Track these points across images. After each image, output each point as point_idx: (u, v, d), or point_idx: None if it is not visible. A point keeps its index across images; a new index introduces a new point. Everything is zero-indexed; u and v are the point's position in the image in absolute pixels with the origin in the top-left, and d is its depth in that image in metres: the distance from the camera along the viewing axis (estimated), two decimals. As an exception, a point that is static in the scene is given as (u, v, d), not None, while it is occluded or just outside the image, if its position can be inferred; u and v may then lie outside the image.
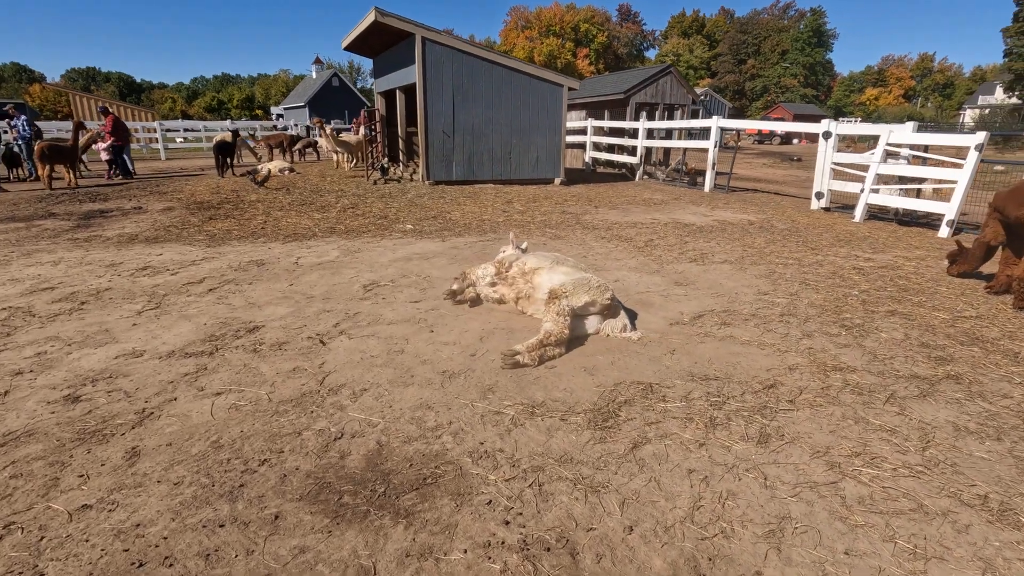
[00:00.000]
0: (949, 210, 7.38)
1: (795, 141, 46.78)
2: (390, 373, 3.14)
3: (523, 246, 5.10)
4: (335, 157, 15.96)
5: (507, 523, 1.96)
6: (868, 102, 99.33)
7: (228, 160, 14.37)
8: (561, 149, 12.80)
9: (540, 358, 3.27)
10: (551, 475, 2.23)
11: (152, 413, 2.67)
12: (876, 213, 8.83)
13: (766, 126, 13.69)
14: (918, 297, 4.51)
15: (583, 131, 16.62)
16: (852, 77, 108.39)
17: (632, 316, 4.01)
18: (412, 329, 3.80)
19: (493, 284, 4.41)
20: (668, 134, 15.94)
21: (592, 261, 5.77)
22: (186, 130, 29.84)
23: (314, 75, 47.20)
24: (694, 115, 17.19)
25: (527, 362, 3.22)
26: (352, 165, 15.53)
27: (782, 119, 49.20)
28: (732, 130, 22.76)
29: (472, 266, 4.64)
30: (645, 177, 14.65)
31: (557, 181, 12.94)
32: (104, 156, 13.51)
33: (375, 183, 12.05)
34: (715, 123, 11.84)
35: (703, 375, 3.11)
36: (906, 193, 8.34)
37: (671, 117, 16.60)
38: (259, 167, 14.11)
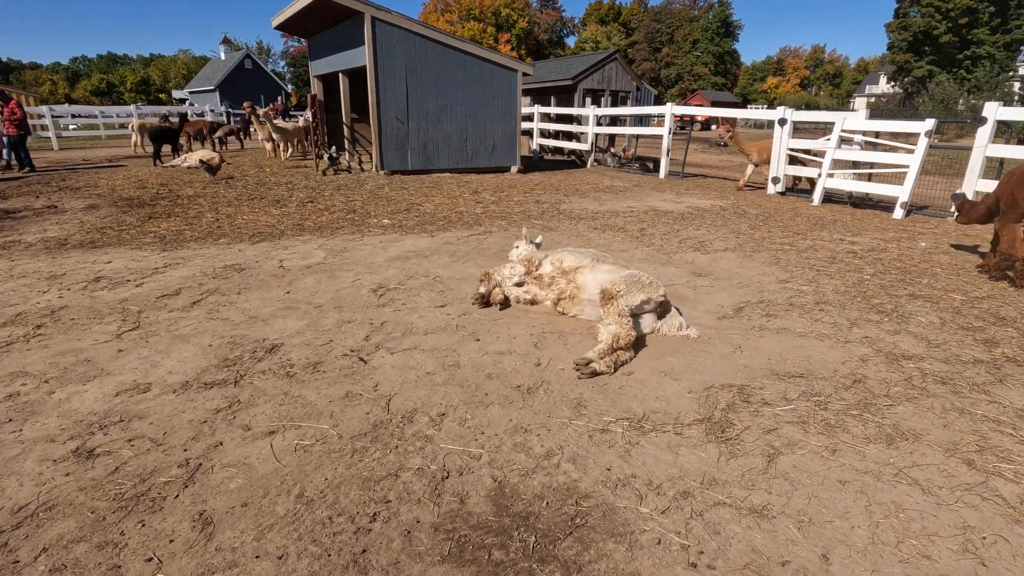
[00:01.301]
0: (903, 193, 7.87)
1: (713, 127, 49.07)
2: (459, 392, 2.80)
3: (537, 240, 4.84)
4: (268, 146, 14.76)
5: (694, 565, 1.74)
6: (769, 90, 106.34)
7: (173, 149, 13.08)
8: (517, 136, 12.53)
9: (615, 364, 3.05)
10: (705, 501, 2.02)
11: (200, 465, 2.20)
12: (831, 196, 9.28)
13: (712, 112, 14.10)
14: (925, 279, 4.71)
15: (530, 118, 16.40)
16: (755, 66, 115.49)
17: (676, 311, 3.88)
18: (454, 339, 3.45)
19: (521, 284, 4.12)
20: (614, 121, 16.06)
21: (608, 253, 5.59)
22: (75, 116, 26.64)
23: (223, 56, 43.52)
24: (638, 102, 17.46)
25: (604, 370, 2.99)
26: (289, 154, 14.43)
27: (701, 105, 51.37)
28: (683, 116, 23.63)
29: (496, 266, 4.33)
30: (596, 164, 14.69)
31: (514, 169, 12.67)
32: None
33: (324, 174, 11.23)
34: (668, 110, 12.01)
35: (785, 373, 3.02)
36: (858, 177, 8.82)
37: (616, 103, 16.73)
38: (183, 157, 12.80)
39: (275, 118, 16.54)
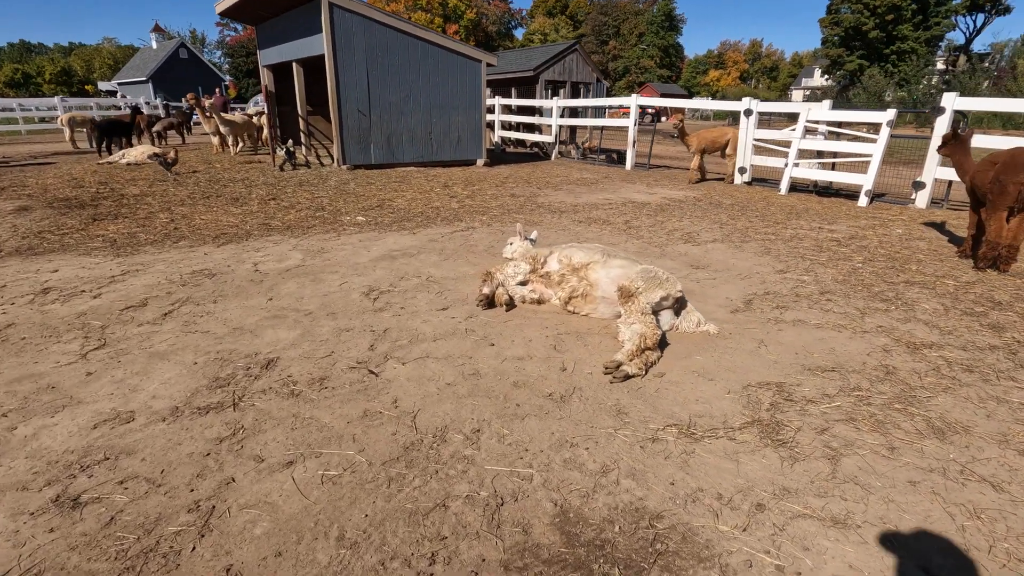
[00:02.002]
0: (867, 181, 8.12)
1: (663, 119, 50.01)
2: (488, 404, 2.58)
3: (532, 236, 4.66)
4: (215, 140, 13.89)
5: (796, 589, 1.60)
6: (712, 83, 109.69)
7: (125, 141, 12.27)
8: (483, 128, 12.26)
9: (645, 365, 2.90)
10: (783, 513, 1.90)
11: (214, 508, 1.90)
12: (796, 185, 9.50)
13: (673, 104, 14.23)
14: (912, 266, 4.81)
15: (491, 110, 16.12)
16: (697, 60, 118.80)
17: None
18: (467, 344, 3.22)
19: (525, 282, 3.92)
20: (574, 112, 16.00)
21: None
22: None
23: (154, 45, 40.77)
24: (597, 94, 17.46)
25: (636, 372, 2.84)
26: (239, 149, 13.61)
27: (651, 97, 52.21)
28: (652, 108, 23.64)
29: (497, 265, 4.10)
30: (560, 156, 14.59)
31: (480, 162, 12.39)
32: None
33: (281, 169, 10.63)
34: (634, 101, 12.03)
35: (816, 367, 2.95)
36: (822, 166, 9.06)
37: (576, 95, 16.67)
38: (121, 153, 11.85)
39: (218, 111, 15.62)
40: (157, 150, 12.36)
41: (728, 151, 10.38)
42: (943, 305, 3.84)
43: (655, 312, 3.34)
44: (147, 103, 22.23)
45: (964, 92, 36.97)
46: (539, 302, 3.86)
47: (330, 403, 2.57)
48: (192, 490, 1.98)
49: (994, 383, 2.78)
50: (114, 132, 12.01)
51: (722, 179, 10.89)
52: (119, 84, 40.91)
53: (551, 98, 14.12)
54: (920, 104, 37.24)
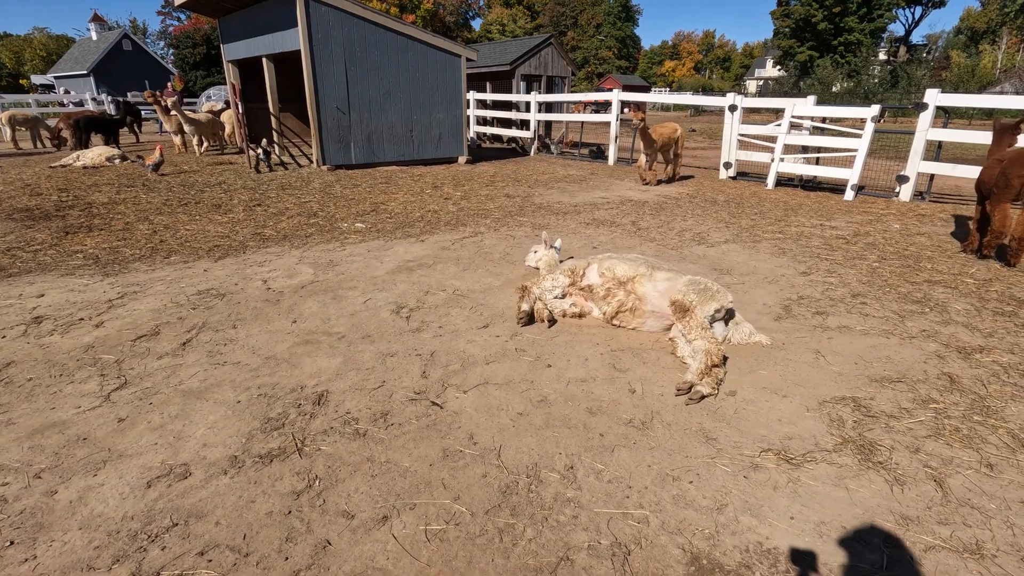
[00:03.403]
0: (853, 175, 8.32)
1: (625, 110, 50.45)
2: (570, 435, 2.46)
3: (557, 244, 4.54)
4: (177, 140, 13.15)
5: (964, 634, 1.55)
6: (668, 73, 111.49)
7: (114, 140, 11.67)
8: (463, 124, 12.01)
9: (717, 383, 2.83)
10: (915, 545, 1.85)
11: (319, 579, 1.71)
12: (780, 180, 9.65)
13: (649, 99, 14.27)
14: (927, 264, 4.92)
15: (466, 104, 15.82)
16: (653, 50, 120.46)
17: (730, 315, 3.74)
18: (523, 367, 3.08)
19: (563, 296, 3.81)
20: (550, 107, 15.89)
21: (607, 251, 5.37)
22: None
23: (94, 36, 38.27)
24: (573, 87, 17.38)
25: (710, 392, 2.76)
26: (204, 149, 12.92)
27: (612, 89, 52.64)
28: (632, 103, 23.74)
29: (532, 279, 3.98)
30: (539, 152, 14.46)
31: (462, 160, 12.15)
32: None
33: (257, 170, 10.13)
34: (616, 96, 12.00)
35: (882, 378, 2.95)
36: (807, 161, 9.24)
37: (551, 89, 16.55)
38: (75, 154, 11.07)
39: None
40: (115, 151, 11.62)
41: (676, 149, 9.63)
42: (972, 306, 3.93)
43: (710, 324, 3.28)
44: (92, 99, 20.87)
45: (909, 82, 38.72)
46: (580, 315, 3.75)
47: (403, 443, 2.39)
48: (287, 558, 1.79)
49: (1054, 388, 2.84)
50: (95, 129, 11.33)
51: (661, 183, 9.80)
52: (56, 78, 38.33)
53: (527, 92, 13.96)
54: (870, 94, 38.78)
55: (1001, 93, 33.84)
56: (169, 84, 20.58)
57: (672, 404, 2.71)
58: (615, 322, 3.58)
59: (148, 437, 2.42)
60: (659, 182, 9.72)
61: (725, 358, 3.13)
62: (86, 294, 4.17)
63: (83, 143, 12.71)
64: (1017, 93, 33.41)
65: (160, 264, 4.92)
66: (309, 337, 3.44)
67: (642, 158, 9.47)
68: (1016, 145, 5.30)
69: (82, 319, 3.70)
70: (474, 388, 2.85)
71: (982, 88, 36.35)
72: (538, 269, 4.35)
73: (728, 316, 3.43)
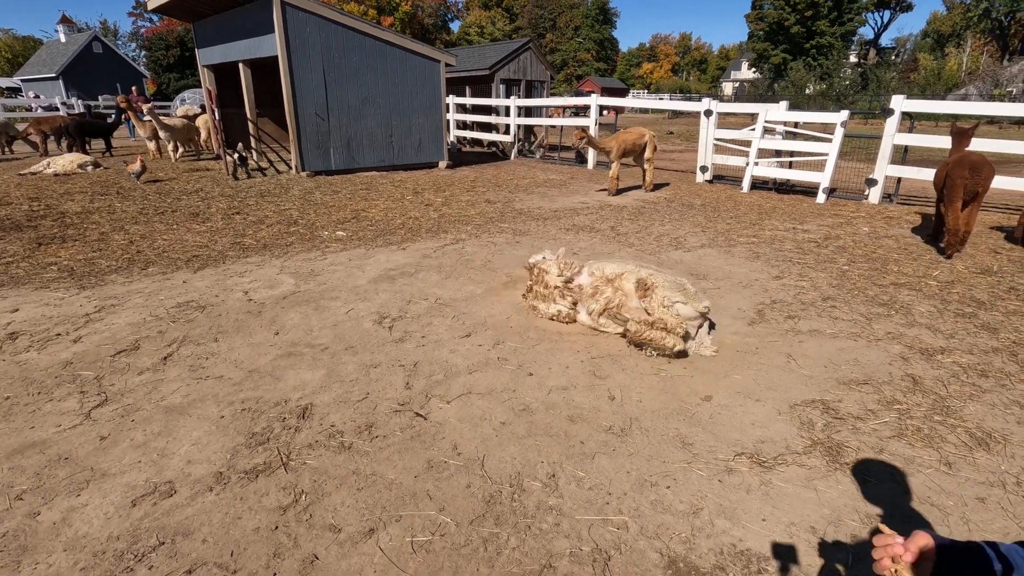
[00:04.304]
0: (824, 179, 8.55)
1: (604, 112, 50.86)
2: (551, 444, 2.52)
3: (560, 252, 4.60)
4: (152, 146, 12.94)
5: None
6: (645, 75, 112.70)
7: (107, 144, 11.60)
8: (443, 130, 12.03)
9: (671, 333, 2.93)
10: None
11: (308, 594, 1.75)
12: (755, 183, 9.86)
13: (626, 103, 14.46)
14: (892, 266, 5.10)
15: (446, 109, 15.84)
16: (631, 52, 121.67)
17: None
18: (505, 376, 3.14)
19: (569, 280, 3.91)
20: (530, 111, 15.99)
21: (587, 256, 5.46)
22: None
23: (63, 38, 37.32)
24: (552, 91, 17.51)
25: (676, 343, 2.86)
26: (179, 155, 12.73)
27: (592, 91, 53.02)
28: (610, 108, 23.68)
29: (530, 279, 4.04)
30: (519, 156, 14.55)
31: (442, 164, 12.17)
32: None
33: (235, 177, 10.03)
34: (594, 101, 12.14)
35: (849, 380, 3.07)
36: (780, 165, 9.47)
37: (530, 93, 16.66)
38: (45, 161, 10.84)
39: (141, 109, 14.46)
40: (88, 158, 11.39)
41: (647, 154, 9.09)
42: (935, 307, 4.09)
43: (688, 336, 3.37)
44: (63, 103, 20.39)
45: (879, 85, 39.75)
46: (571, 320, 3.82)
47: (387, 455, 2.44)
48: (275, 574, 1.82)
49: (1010, 387, 2.99)
50: (90, 134, 11.20)
51: (636, 188, 9.66)
52: (23, 81, 37.30)
53: (507, 96, 14.03)
54: (842, 96, 39.72)
55: (966, 96, 35.00)
56: (134, 88, 20.11)
57: (650, 410, 2.79)
58: (600, 322, 3.66)
59: (131, 455, 2.42)
60: (619, 191, 9.73)
61: (702, 363, 3.22)
62: (62, 308, 4.12)
63: (82, 148, 12.57)
64: (981, 95, 34.58)
65: (138, 276, 4.87)
66: (292, 349, 3.46)
67: (614, 166, 9.07)
68: (968, 148, 5.67)
69: (59, 334, 3.65)
70: (457, 398, 2.90)
71: (948, 90, 37.51)
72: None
73: (704, 322, 3.53)
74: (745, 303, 4.24)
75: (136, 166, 9.23)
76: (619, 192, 9.32)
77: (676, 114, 43.57)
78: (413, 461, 2.39)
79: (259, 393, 2.94)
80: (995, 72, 38.49)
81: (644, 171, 9.35)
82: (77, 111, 19.88)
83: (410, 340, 3.59)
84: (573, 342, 3.57)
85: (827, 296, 4.35)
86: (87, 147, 13.09)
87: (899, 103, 7.84)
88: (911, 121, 8.23)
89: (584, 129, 9.23)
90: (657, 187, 9.95)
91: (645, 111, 52.54)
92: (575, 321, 3.81)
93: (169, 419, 2.70)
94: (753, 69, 64.39)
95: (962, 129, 5.76)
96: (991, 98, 32.71)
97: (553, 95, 24.95)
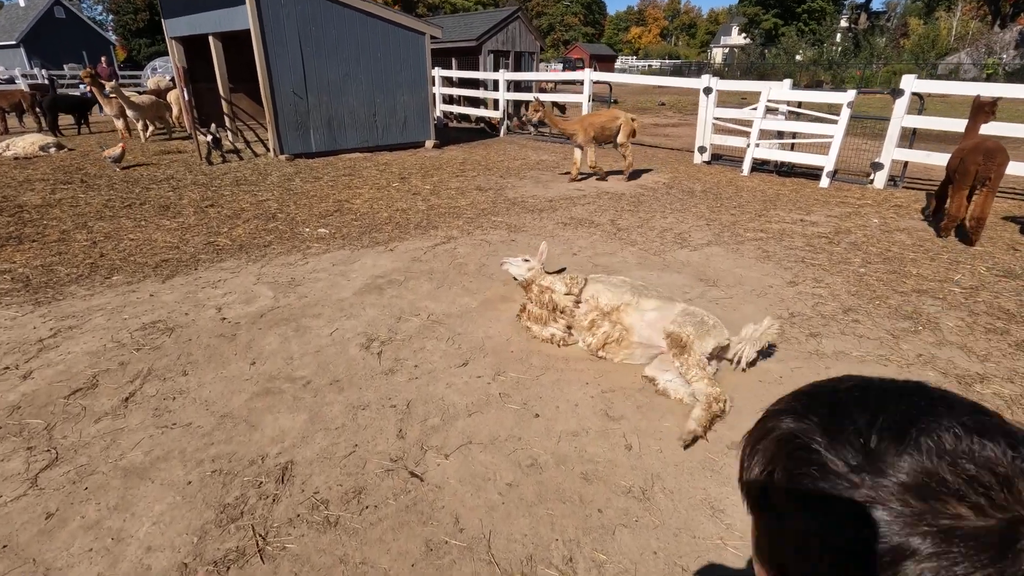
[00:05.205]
0: (828, 162, 8.22)
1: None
2: (565, 512, 2.23)
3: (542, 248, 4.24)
4: (119, 124, 12.20)
5: None
6: (634, 40, 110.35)
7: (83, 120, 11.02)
8: (429, 107, 11.45)
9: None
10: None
11: None
12: (757, 166, 9.50)
13: (616, 79, 13.88)
14: (912, 268, 4.82)
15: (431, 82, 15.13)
16: (619, 16, 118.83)
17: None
18: (509, 419, 2.83)
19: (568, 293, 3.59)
20: (519, 85, 15.35)
21: (588, 258, 5.12)
22: None
23: (22, 3, 35.17)
24: (543, 58, 16.81)
25: (703, 434, 2.59)
26: (149, 134, 12.03)
27: (580, 58, 51.67)
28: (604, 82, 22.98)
29: (530, 290, 3.70)
30: (508, 132, 13.99)
31: (429, 144, 11.62)
32: None
33: (209, 161, 9.45)
34: (587, 76, 11.60)
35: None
36: (782, 147, 9.10)
37: (519, 64, 15.96)
38: (4, 143, 10.14)
39: (107, 80, 13.57)
40: (50, 140, 10.68)
41: (620, 139, 8.32)
42: (963, 321, 3.83)
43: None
44: (23, 76, 19.21)
45: (871, 52, 39.09)
46: (566, 344, 3.51)
47: (379, 532, 2.13)
48: None
49: (1060, 427, 2.74)
50: (65, 109, 10.63)
51: (620, 172, 8.89)
52: (-20, 48, 35.18)
53: (495, 68, 13.40)
54: (834, 64, 39.06)
55: (959, 63, 34.56)
56: (103, 59, 19.01)
57: (673, 463, 2.51)
58: (600, 354, 3.36)
59: (81, 540, 2.09)
60: (591, 176, 9.03)
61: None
62: (13, 331, 3.71)
63: (53, 127, 11.93)
64: (974, 63, 34.15)
65: (100, 287, 4.45)
66: (270, 384, 3.11)
67: (587, 152, 8.29)
68: (990, 122, 5.87)
69: (7, 368, 3.27)
70: (457, 450, 2.59)
71: (940, 57, 36.99)
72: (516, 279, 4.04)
73: (722, 354, 3.24)
74: (761, 317, 3.94)
75: (116, 151, 8.62)
76: (584, 177, 8.91)
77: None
78: (409, 543, 2.09)
79: (232, 447, 2.60)
80: (988, 39, 38.00)
81: (624, 156, 8.56)
82: (40, 82, 18.76)
83: (401, 371, 3.26)
84: (580, 372, 3.26)
85: (848, 307, 4.07)
86: (57, 125, 12.35)
87: (910, 83, 7.47)
88: (920, 102, 7.88)
89: (538, 100, 8.21)
90: (650, 170, 9.56)
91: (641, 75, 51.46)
92: (569, 345, 3.50)
93: (128, 486, 2.36)
94: (744, 35, 63.12)
95: (985, 102, 5.76)
96: (983, 67, 32.33)
97: (542, 64, 24.14)
